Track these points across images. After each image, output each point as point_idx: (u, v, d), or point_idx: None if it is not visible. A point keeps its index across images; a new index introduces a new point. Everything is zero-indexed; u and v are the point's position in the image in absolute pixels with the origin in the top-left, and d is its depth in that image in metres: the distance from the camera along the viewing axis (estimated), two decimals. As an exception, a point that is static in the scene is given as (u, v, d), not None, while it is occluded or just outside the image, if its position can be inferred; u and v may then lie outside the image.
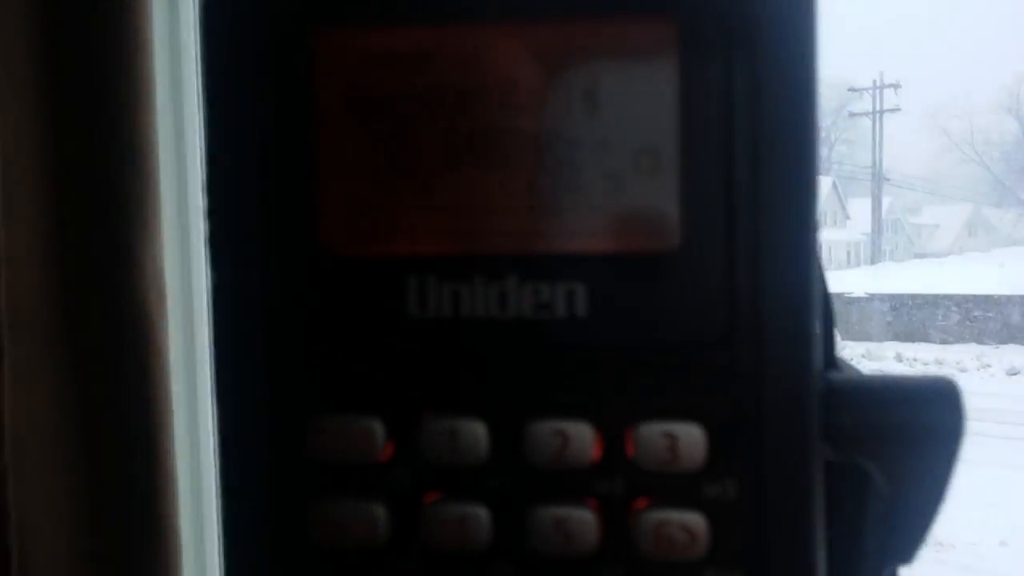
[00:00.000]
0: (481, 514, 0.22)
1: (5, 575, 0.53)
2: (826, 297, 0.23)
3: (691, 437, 0.21)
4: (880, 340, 6.77)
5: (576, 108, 0.21)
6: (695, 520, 0.21)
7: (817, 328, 0.21)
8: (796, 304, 0.21)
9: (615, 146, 0.21)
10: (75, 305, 0.57)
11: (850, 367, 0.26)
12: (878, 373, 0.24)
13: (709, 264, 0.21)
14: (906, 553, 0.26)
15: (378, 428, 0.22)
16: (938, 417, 0.23)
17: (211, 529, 0.81)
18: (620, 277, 0.22)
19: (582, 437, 0.22)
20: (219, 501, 0.23)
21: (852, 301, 7.03)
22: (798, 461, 0.22)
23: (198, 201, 0.80)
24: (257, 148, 0.22)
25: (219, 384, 0.23)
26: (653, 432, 0.21)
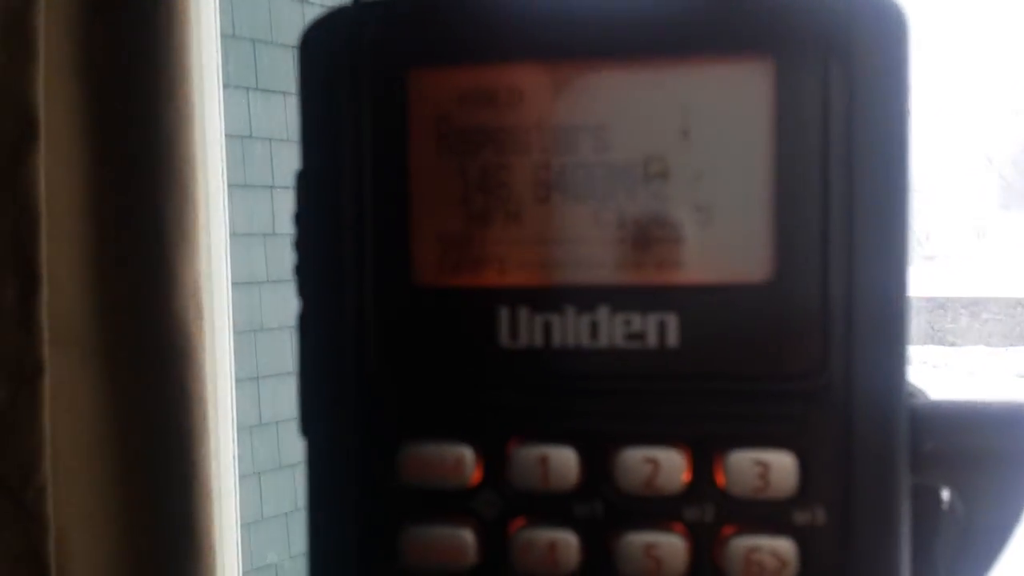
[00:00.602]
0: (570, 539, 0.22)
1: (44, 587, 0.54)
2: None
3: (783, 465, 0.22)
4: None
5: (668, 142, 0.22)
6: (785, 546, 0.22)
7: (908, 355, 0.22)
8: (889, 333, 0.22)
9: (707, 178, 0.22)
10: (115, 321, 0.58)
11: (919, 389, 0.27)
12: (955, 398, 0.25)
13: (802, 294, 0.22)
14: (977, 574, 0.26)
15: (468, 455, 0.23)
16: (1017, 441, 0.23)
17: (229, 529, 0.81)
18: (712, 308, 0.22)
19: (673, 464, 0.22)
20: (307, 528, 0.24)
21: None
22: (887, 487, 0.22)
23: (220, 213, 0.81)
24: (351, 180, 0.23)
25: (306, 412, 0.24)
26: (744, 460, 0.22)
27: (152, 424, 0.59)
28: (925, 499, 0.24)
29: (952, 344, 6.81)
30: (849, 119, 0.21)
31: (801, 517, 0.22)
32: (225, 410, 0.85)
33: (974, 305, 6.98)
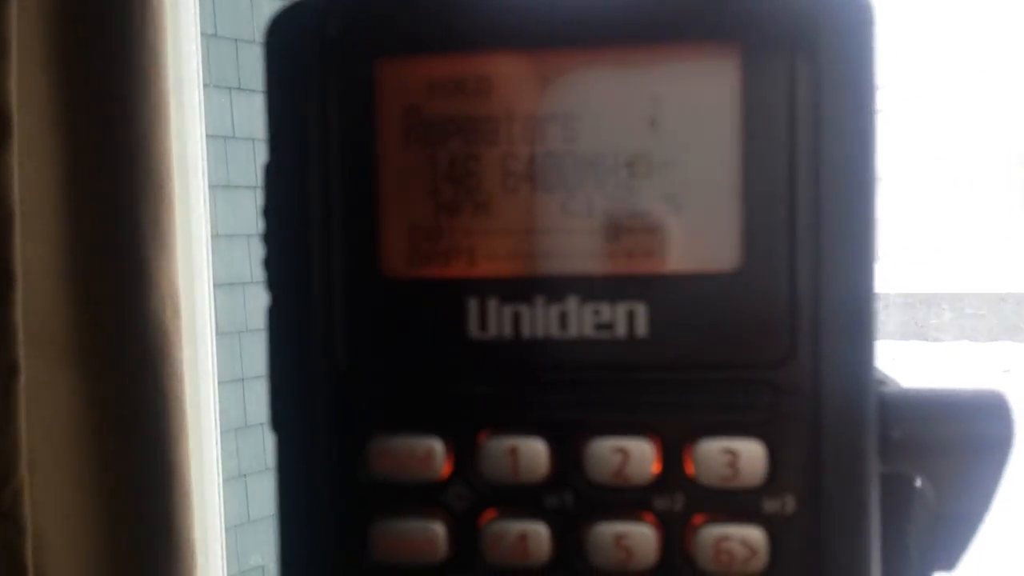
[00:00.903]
0: (541, 530, 0.22)
1: (22, 590, 0.53)
2: None
3: (752, 453, 0.22)
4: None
5: (637, 131, 0.22)
6: (755, 535, 0.22)
7: (876, 343, 0.22)
8: (856, 321, 0.22)
9: (676, 167, 0.22)
10: (91, 321, 0.58)
11: (889, 378, 0.27)
12: (926, 386, 0.25)
13: (770, 283, 0.22)
14: (950, 560, 0.26)
15: (438, 447, 0.23)
16: (988, 429, 0.23)
17: (214, 531, 0.81)
18: (680, 297, 0.22)
19: (642, 454, 0.22)
20: (277, 523, 0.24)
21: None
22: (855, 475, 0.22)
23: (200, 215, 0.80)
24: (318, 172, 0.23)
25: (276, 407, 0.24)
26: (713, 449, 0.22)
27: (129, 424, 0.58)
28: (897, 486, 0.24)
29: (935, 340, 6.84)
30: (816, 111, 0.21)
31: (771, 506, 0.22)
32: (208, 412, 0.84)
33: (957, 300, 7.00)
